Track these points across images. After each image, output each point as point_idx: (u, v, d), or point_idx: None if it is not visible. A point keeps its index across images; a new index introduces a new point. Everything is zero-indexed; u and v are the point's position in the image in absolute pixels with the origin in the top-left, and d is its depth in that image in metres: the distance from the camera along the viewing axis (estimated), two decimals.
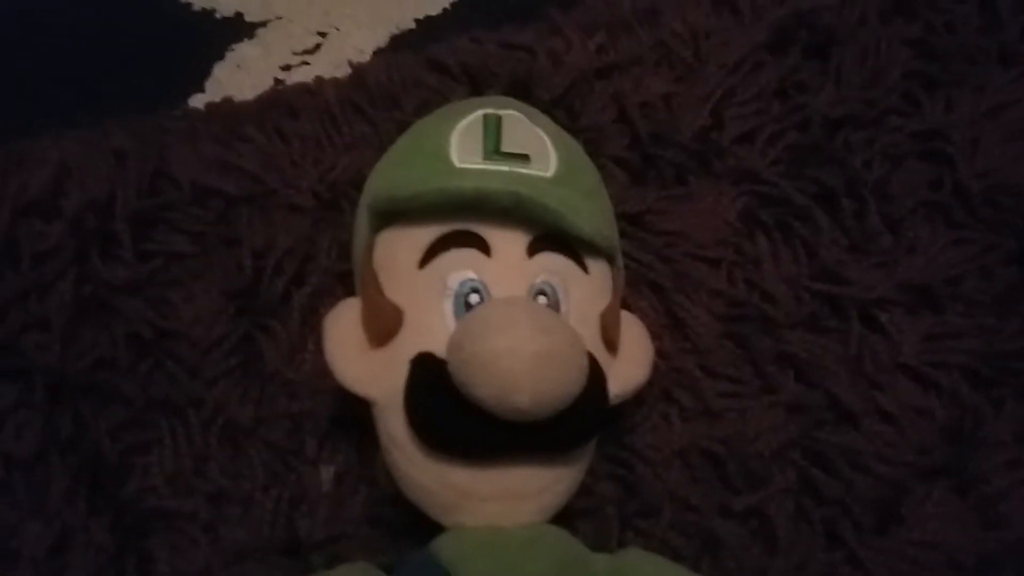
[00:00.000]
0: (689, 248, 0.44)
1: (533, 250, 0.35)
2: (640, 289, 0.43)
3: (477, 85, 0.48)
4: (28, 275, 0.43)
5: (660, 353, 0.41)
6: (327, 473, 0.39)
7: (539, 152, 0.36)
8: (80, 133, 0.49)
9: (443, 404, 0.32)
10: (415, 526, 0.36)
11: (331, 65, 0.55)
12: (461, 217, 0.35)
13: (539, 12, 0.53)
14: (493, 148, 0.35)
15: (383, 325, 0.34)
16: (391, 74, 0.49)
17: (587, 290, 0.36)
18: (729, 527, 0.38)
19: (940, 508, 0.38)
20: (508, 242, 0.35)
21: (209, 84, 0.55)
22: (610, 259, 0.38)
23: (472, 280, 0.34)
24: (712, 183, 0.46)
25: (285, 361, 0.41)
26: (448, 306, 0.34)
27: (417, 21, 0.58)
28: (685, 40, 0.50)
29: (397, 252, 0.36)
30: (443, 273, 0.34)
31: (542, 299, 0.34)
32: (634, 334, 0.38)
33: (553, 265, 0.35)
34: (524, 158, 0.36)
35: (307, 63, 0.56)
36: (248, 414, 0.40)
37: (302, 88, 0.51)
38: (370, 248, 0.37)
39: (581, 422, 0.33)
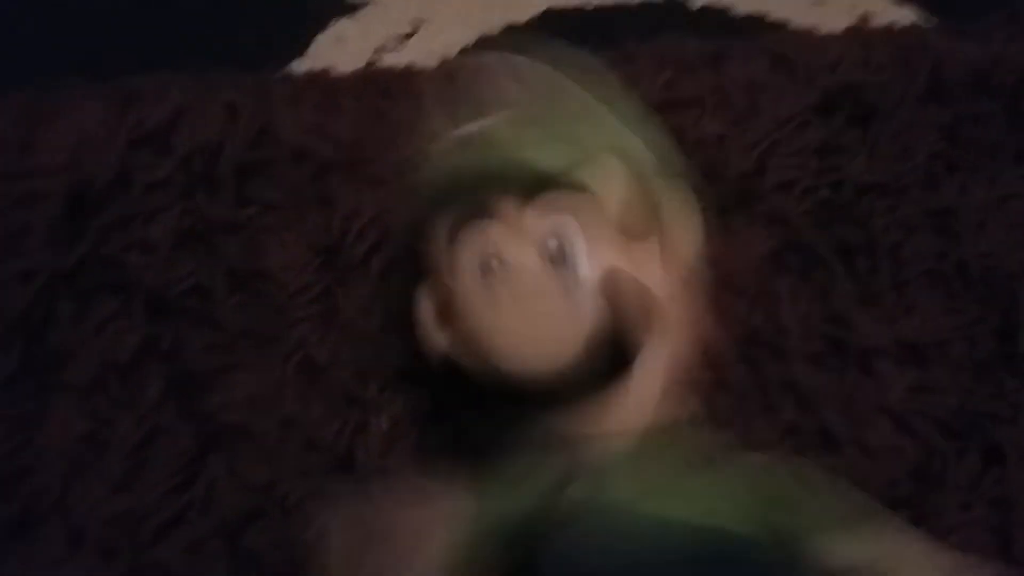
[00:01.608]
0: (721, 276, 0.49)
1: (529, 197, 0.35)
2: None
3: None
4: (138, 202, 0.48)
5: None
6: (384, 420, 0.44)
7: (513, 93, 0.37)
8: (194, 79, 0.53)
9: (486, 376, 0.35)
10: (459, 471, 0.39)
11: (421, 53, 0.60)
12: (472, 188, 0.36)
13: (614, 35, 0.57)
14: (475, 105, 0.37)
15: (443, 306, 0.37)
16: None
17: (593, 207, 0.36)
18: None
19: None
20: (508, 201, 0.35)
21: (310, 53, 0.60)
22: (618, 150, 0.38)
23: (486, 251, 0.35)
24: (748, 222, 0.51)
25: (359, 314, 0.46)
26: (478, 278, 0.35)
27: (503, 27, 0.62)
28: (743, 89, 0.54)
29: (434, 237, 0.37)
30: (465, 250, 0.36)
31: (553, 243, 0.35)
32: (673, 200, 0.39)
33: (554, 204, 0.35)
34: (499, 105, 0.37)
35: (399, 49, 0.61)
36: (323, 354, 0.45)
37: (397, 72, 0.55)
38: (425, 237, 0.38)
39: (625, 342, 0.34)
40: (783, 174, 0.52)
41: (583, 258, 0.35)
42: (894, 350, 0.48)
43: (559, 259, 0.35)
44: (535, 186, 0.36)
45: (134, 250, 0.47)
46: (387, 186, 0.50)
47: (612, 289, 0.35)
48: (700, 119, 0.53)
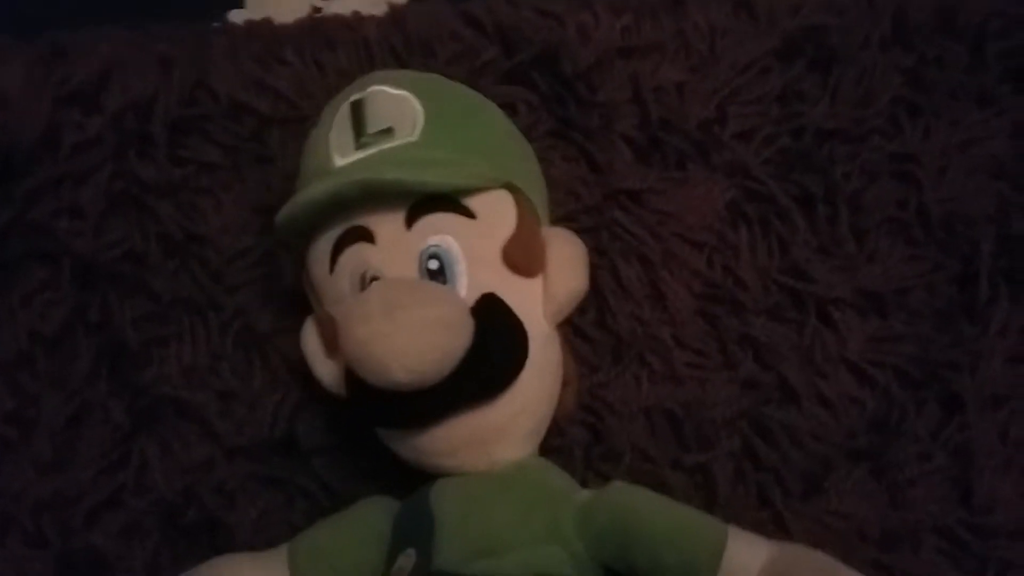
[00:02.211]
0: (678, 229, 0.46)
1: (412, 219, 0.35)
2: (630, 260, 0.45)
3: (508, 47, 0.48)
4: (65, 163, 0.44)
5: (639, 320, 0.43)
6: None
7: (403, 119, 0.35)
8: (125, 32, 0.49)
9: (364, 392, 0.33)
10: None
11: (367, 1, 0.55)
12: (351, 214, 0.35)
13: None
14: (361, 133, 0.35)
15: (327, 336, 0.36)
16: (430, 23, 0.49)
17: (478, 233, 0.36)
18: (678, 479, 0.41)
19: (857, 485, 0.42)
20: (387, 223, 0.35)
21: (249, 1, 0.55)
22: (509, 188, 0.37)
23: (367, 271, 0.35)
24: (708, 172, 0.48)
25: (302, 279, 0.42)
26: None
27: None
28: (704, 34, 0.51)
29: (314, 265, 0.37)
30: (346, 273, 0.35)
31: (433, 262, 0.35)
32: (562, 247, 0.38)
33: (437, 225, 0.35)
34: (388, 132, 0.35)
35: None
36: (264, 322, 0.41)
37: (342, 21, 0.51)
38: (305, 267, 0.38)
39: (491, 365, 0.34)
40: (743, 122, 0.49)
41: (462, 278, 0.34)
42: (854, 300, 0.46)
43: (438, 276, 0.35)
44: (422, 207, 0.35)
45: (63, 215, 0.43)
46: None
47: (485, 313, 0.34)
48: (659, 66, 0.50)
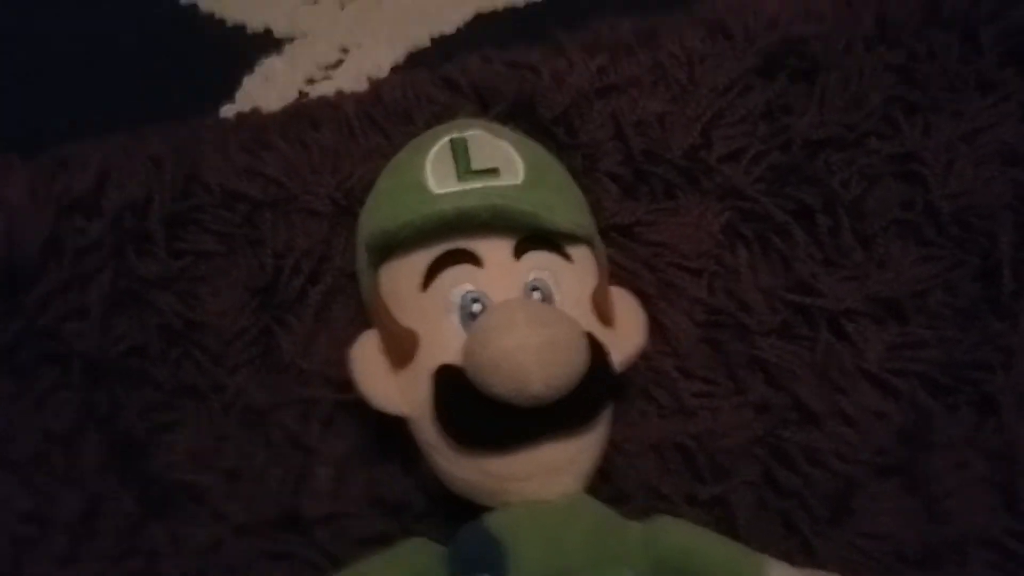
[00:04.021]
0: (674, 259, 0.48)
1: (519, 252, 0.39)
2: None
3: (484, 102, 0.52)
4: (70, 269, 0.48)
5: (641, 354, 0.44)
6: (324, 471, 0.43)
7: (506, 163, 0.40)
8: (120, 138, 0.54)
9: (468, 406, 0.36)
10: (413, 504, 0.40)
11: (352, 80, 0.60)
12: (449, 238, 0.39)
13: (547, 30, 0.57)
14: (464, 169, 0.40)
15: (402, 348, 0.39)
16: (405, 91, 0.53)
17: (574, 276, 0.40)
18: (695, 514, 0.42)
19: (890, 503, 0.42)
20: (496, 250, 0.39)
21: (239, 95, 0.60)
22: (589, 243, 0.42)
23: (471, 291, 0.38)
24: (699, 198, 0.50)
25: (299, 352, 0.45)
26: (455, 319, 0.38)
27: (432, 39, 0.62)
28: (681, 63, 0.54)
29: (399, 281, 0.40)
30: (444, 291, 0.38)
31: (536, 294, 0.39)
32: (626, 305, 0.43)
33: (540, 262, 0.39)
34: (494, 172, 0.40)
35: (329, 77, 0.61)
36: (264, 399, 0.44)
37: (324, 101, 0.55)
38: (375, 283, 0.41)
39: (592, 395, 0.37)
40: (730, 143, 0.51)
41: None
42: (868, 309, 0.47)
43: (543, 294, 0.39)
44: (529, 242, 0.39)
45: (70, 318, 0.47)
46: (319, 217, 0.49)
47: (592, 347, 0.37)
48: (638, 100, 0.53)
